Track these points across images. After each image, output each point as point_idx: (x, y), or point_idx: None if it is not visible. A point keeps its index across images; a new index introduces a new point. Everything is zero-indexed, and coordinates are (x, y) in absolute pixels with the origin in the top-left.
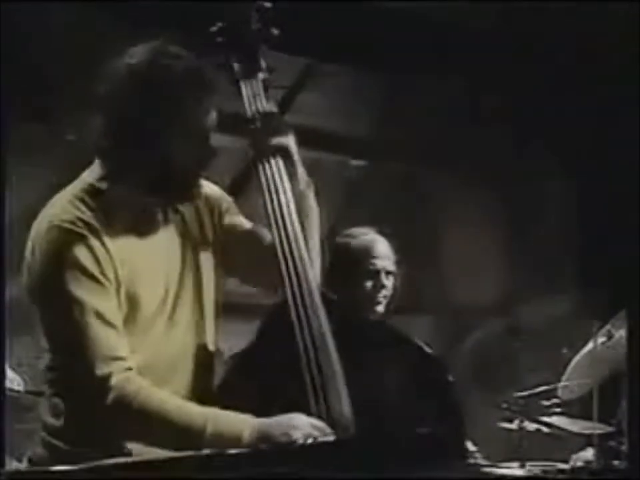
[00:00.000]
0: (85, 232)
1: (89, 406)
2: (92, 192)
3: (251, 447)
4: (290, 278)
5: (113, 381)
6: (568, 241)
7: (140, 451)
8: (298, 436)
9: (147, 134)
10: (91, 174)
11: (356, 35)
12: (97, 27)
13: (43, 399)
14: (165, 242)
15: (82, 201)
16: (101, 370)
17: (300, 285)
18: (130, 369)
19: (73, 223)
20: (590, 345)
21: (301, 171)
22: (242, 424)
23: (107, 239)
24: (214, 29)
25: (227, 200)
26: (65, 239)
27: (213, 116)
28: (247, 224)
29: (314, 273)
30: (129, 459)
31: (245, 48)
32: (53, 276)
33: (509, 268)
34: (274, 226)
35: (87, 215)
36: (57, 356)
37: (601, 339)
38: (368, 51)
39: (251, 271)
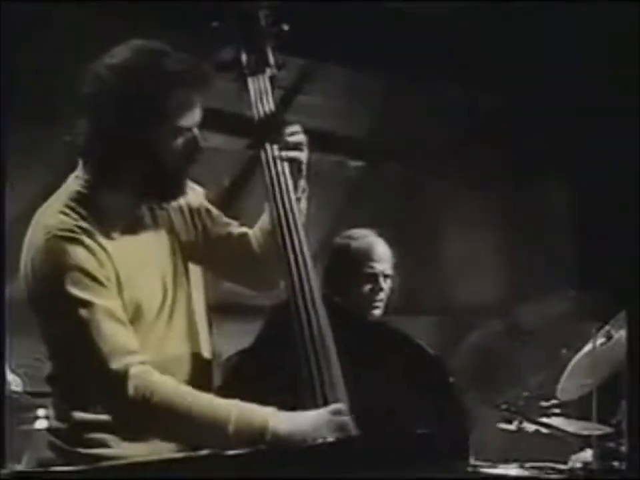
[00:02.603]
0: (84, 237)
1: (111, 399)
2: (80, 199)
3: (275, 440)
4: (292, 279)
5: (132, 371)
6: (568, 241)
7: (140, 452)
8: (324, 433)
9: (131, 133)
10: (77, 180)
11: (356, 35)
12: (97, 27)
13: (49, 403)
14: (157, 243)
15: (73, 209)
16: (117, 363)
17: (302, 286)
18: (143, 362)
19: (71, 230)
20: (589, 346)
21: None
22: (266, 416)
23: (105, 243)
24: (223, 24)
25: (205, 200)
26: (65, 247)
27: (197, 110)
28: (231, 224)
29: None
30: (129, 460)
31: (253, 44)
32: (58, 283)
33: (509, 268)
34: (278, 227)
35: (82, 223)
36: (67, 360)
37: (600, 340)
38: (367, 52)
39: (241, 271)
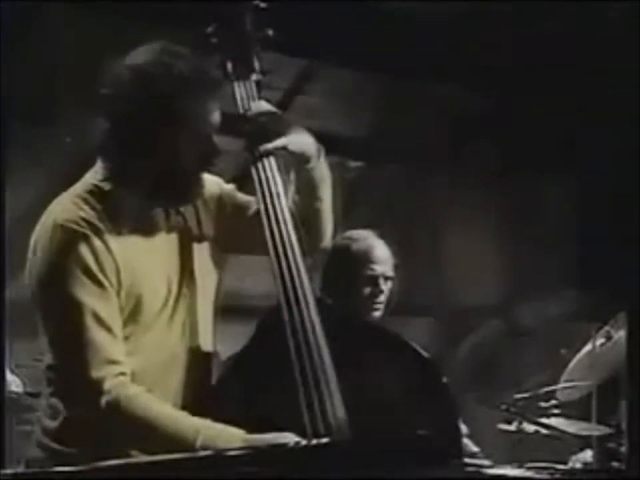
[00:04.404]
0: (88, 232)
1: (85, 408)
2: (96, 192)
3: None
4: (284, 281)
5: (107, 385)
6: (567, 241)
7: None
8: None
9: (149, 135)
10: (95, 175)
11: (355, 35)
12: (96, 28)
13: (41, 399)
14: (167, 243)
15: (85, 201)
16: (96, 373)
17: (294, 288)
18: (123, 373)
19: (76, 222)
20: (589, 346)
21: (308, 148)
22: (233, 438)
23: (110, 240)
24: (208, 29)
25: (223, 187)
26: (68, 238)
27: (217, 115)
28: (246, 200)
29: (325, 241)
30: (127, 460)
31: (238, 49)
32: (54, 274)
33: (509, 268)
34: (268, 230)
35: (91, 215)
36: (56, 355)
37: (600, 340)
38: (367, 52)
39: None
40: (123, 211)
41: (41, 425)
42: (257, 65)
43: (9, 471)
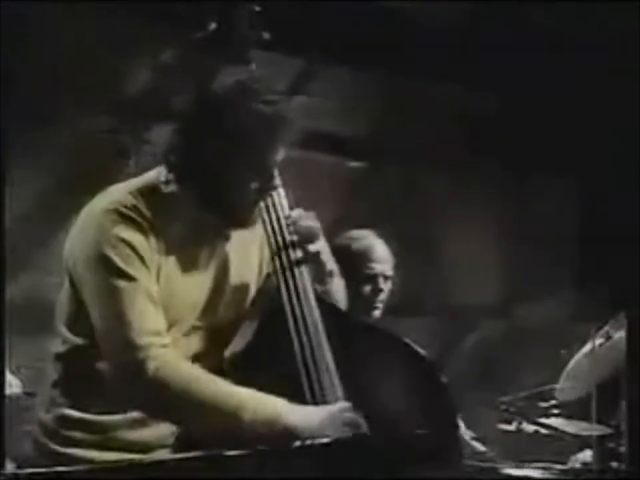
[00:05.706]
0: (142, 221)
1: (131, 373)
2: (154, 190)
3: (284, 432)
4: (286, 280)
5: (153, 352)
6: (568, 241)
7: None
8: (333, 429)
9: (216, 159)
10: (158, 175)
11: (355, 35)
12: (95, 28)
13: (39, 394)
14: (206, 264)
15: (142, 195)
16: (143, 340)
17: (296, 287)
18: (166, 345)
19: (131, 209)
20: (589, 346)
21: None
22: (279, 408)
23: (159, 234)
24: (203, 32)
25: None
26: (122, 221)
27: (282, 153)
28: None
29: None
30: (127, 460)
31: (233, 51)
32: (107, 253)
33: (509, 268)
34: (270, 233)
35: (145, 208)
36: (103, 325)
37: (599, 341)
38: (367, 52)
39: None
40: (176, 216)
41: (38, 420)
42: (253, 67)
43: (9, 471)
